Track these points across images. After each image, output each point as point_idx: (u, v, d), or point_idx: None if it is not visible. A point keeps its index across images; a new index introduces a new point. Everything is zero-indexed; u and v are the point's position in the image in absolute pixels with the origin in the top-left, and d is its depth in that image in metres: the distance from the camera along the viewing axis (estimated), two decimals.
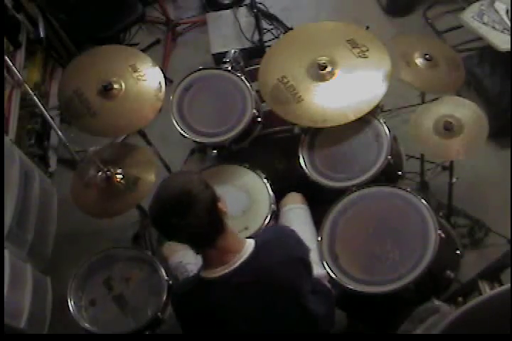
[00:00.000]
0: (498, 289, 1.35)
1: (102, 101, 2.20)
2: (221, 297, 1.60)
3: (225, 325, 1.64)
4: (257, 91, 2.29)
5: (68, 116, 2.24)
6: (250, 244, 1.62)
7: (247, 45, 3.14)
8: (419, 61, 2.19)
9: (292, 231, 1.78)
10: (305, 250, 1.74)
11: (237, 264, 1.57)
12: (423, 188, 2.64)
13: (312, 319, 1.72)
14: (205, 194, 1.51)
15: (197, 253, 1.64)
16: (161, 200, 1.52)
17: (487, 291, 1.82)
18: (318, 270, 1.90)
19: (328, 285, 1.92)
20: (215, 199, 1.54)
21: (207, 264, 1.61)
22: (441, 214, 2.42)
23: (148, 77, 2.23)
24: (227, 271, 1.57)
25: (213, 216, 1.53)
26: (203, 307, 1.63)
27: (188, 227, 1.49)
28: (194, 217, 1.48)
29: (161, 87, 2.20)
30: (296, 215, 2.14)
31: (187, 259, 2.06)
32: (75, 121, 2.24)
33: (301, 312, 1.68)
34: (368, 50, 2.15)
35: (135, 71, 2.24)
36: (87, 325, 2.06)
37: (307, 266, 1.70)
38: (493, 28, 2.47)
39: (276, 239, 1.70)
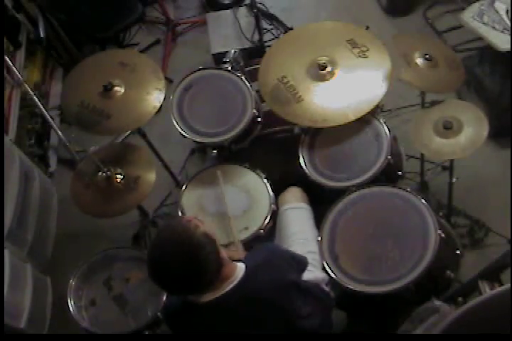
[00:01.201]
0: (498, 289, 1.35)
1: (106, 102, 2.21)
2: (209, 321, 1.61)
3: None
4: (257, 91, 2.29)
5: (85, 128, 2.24)
6: (241, 269, 1.61)
7: (247, 45, 3.14)
8: (419, 61, 2.19)
9: (284, 252, 1.77)
10: (298, 271, 1.73)
11: (226, 290, 1.57)
12: (423, 188, 2.64)
13: (304, 334, 1.72)
14: (212, 254, 1.48)
15: None
16: (166, 267, 1.46)
17: (487, 291, 1.82)
18: (318, 273, 1.90)
19: (327, 289, 1.92)
20: (219, 253, 1.51)
21: None
22: (441, 214, 2.42)
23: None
24: (216, 296, 1.56)
25: (220, 268, 1.52)
26: (192, 329, 1.64)
27: (195, 289, 1.53)
28: (205, 281, 1.50)
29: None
30: (297, 216, 2.12)
31: None
32: (94, 130, 2.24)
33: (293, 332, 1.67)
34: (368, 50, 2.16)
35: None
36: (87, 325, 2.06)
37: (300, 289, 1.69)
38: (493, 28, 2.47)
39: (267, 262, 1.67)
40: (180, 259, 1.45)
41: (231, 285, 1.57)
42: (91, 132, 2.23)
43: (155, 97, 2.20)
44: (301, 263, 1.80)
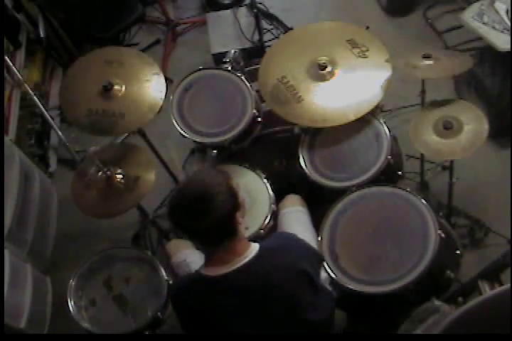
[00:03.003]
0: (498, 289, 1.35)
1: (112, 102, 2.20)
2: (218, 295, 1.61)
3: (221, 323, 1.64)
4: (257, 91, 2.29)
5: (105, 133, 2.25)
6: (254, 248, 1.62)
7: (247, 45, 3.14)
8: (422, 63, 2.19)
9: (300, 240, 1.76)
10: (312, 263, 1.71)
11: (237, 266, 1.57)
12: (423, 188, 2.64)
13: (309, 327, 1.71)
14: (225, 204, 1.51)
15: (199, 249, 1.65)
16: (182, 199, 1.53)
17: (487, 291, 1.82)
18: (321, 273, 1.89)
19: (330, 288, 1.92)
20: (233, 210, 1.54)
21: (208, 262, 1.62)
22: (441, 214, 2.42)
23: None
24: (226, 271, 1.57)
25: (226, 225, 1.54)
26: (200, 303, 1.64)
27: (197, 230, 1.52)
28: (207, 224, 1.50)
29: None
30: (295, 218, 2.13)
31: (191, 258, 2.05)
32: (114, 132, 2.23)
33: (297, 321, 1.66)
34: (368, 50, 2.16)
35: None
36: (87, 325, 2.06)
37: (310, 278, 1.67)
38: (493, 28, 2.47)
39: (281, 247, 1.68)
40: (200, 190, 1.51)
41: (242, 262, 1.57)
42: (113, 135, 2.24)
43: (157, 81, 2.20)
44: (316, 256, 1.80)
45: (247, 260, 1.58)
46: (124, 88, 2.21)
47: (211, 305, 1.62)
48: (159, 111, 2.21)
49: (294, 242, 1.74)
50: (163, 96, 2.19)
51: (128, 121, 2.17)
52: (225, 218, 1.52)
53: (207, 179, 1.57)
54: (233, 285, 1.58)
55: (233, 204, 1.54)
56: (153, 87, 2.20)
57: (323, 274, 1.91)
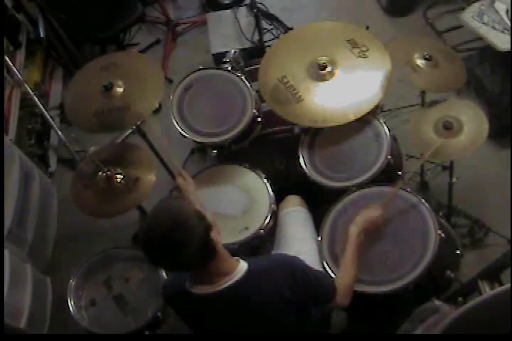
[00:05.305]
0: (498, 289, 1.35)
1: (116, 100, 2.19)
2: (203, 312, 1.61)
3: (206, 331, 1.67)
4: (257, 92, 2.29)
5: (115, 129, 2.27)
6: (242, 268, 1.59)
7: (247, 45, 3.14)
8: (420, 62, 2.19)
9: (296, 266, 1.65)
10: (305, 287, 1.63)
11: (223, 286, 1.56)
12: (423, 188, 2.64)
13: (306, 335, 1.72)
14: (199, 228, 1.47)
15: None
16: (153, 234, 1.46)
17: (487, 291, 1.82)
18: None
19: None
20: (208, 232, 1.50)
21: (194, 279, 1.60)
22: (441, 214, 2.42)
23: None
24: (211, 291, 1.56)
25: (206, 248, 1.50)
26: (190, 313, 1.66)
27: (179, 264, 1.49)
28: (187, 256, 1.46)
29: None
30: (295, 218, 2.12)
31: None
32: (124, 125, 2.23)
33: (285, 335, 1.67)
34: (368, 50, 2.15)
35: None
36: (87, 325, 2.06)
37: (298, 305, 1.63)
38: (493, 28, 2.47)
39: (270, 272, 1.62)
40: (167, 224, 1.45)
41: (229, 283, 1.56)
42: (123, 129, 2.20)
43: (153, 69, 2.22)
44: (318, 278, 1.69)
45: (233, 281, 1.57)
46: (122, 85, 2.21)
47: (198, 319, 1.65)
48: (159, 111, 2.21)
49: (288, 268, 1.64)
50: (163, 81, 2.19)
51: (135, 111, 2.16)
52: (202, 241, 1.47)
53: (169, 210, 1.51)
54: (219, 305, 1.58)
55: (205, 226, 1.49)
56: (152, 76, 2.20)
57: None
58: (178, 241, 1.43)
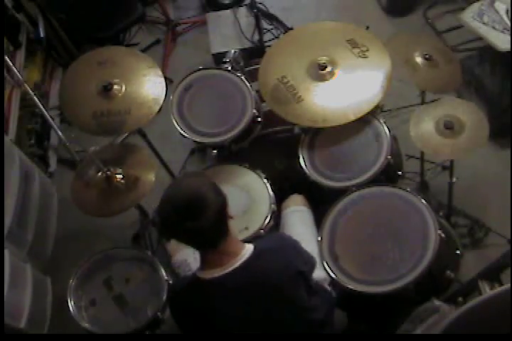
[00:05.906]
0: (498, 289, 1.35)
1: (115, 101, 2.18)
2: (216, 298, 1.61)
3: (219, 325, 1.65)
4: (257, 91, 2.29)
5: (115, 133, 2.26)
6: (249, 249, 1.62)
7: (247, 45, 3.14)
8: (420, 62, 2.19)
9: (295, 241, 1.76)
10: (306, 263, 1.73)
11: (231, 268, 1.57)
12: (423, 188, 2.64)
13: (309, 326, 1.72)
14: (217, 199, 1.53)
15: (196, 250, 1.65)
16: (175, 202, 1.52)
17: (487, 291, 1.82)
18: (319, 272, 1.90)
19: (329, 288, 1.92)
20: (225, 205, 1.56)
21: (204, 264, 1.62)
22: (441, 214, 2.42)
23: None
24: (221, 273, 1.57)
25: (221, 221, 1.55)
26: (198, 306, 1.64)
27: (197, 230, 1.51)
28: (205, 221, 1.50)
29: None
30: (298, 217, 2.13)
31: (192, 258, 2.06)
32: (124, 129, 2.21)
33: (297, 321, 1.67)
34: (367, 50, 2.16)
35: None
36: (87, 325, 2.06)
37: (306, 279, 1.69)
38: (493, 28, 2.47)
39: (276, 248, 1.68)
40: (187, 195, 1.52)
41: (237, 263, 1.58)
42: (124, 132, 2.20)
43: (154, 74, 2.20)
44: (309, 261, 1.79)
45: (242, 261, 1.58)
46: (123, 86, 2.20)
47: (209, 308, 1.63)
48: (159, 111, 2.21)
49: (290, 243, 1.74)
50: (163, 85, 2.18)
51: (136, 116, 2.15)
52: (219, 214, 1.52)
53: (192, 181, 1.60)
54: (231, 287, 1.58)
55: (223, 199, 1.55)
56: (151, 79, 2.19)
57: (322, 274, 1.91)
58: (199, 207, 1.49)
